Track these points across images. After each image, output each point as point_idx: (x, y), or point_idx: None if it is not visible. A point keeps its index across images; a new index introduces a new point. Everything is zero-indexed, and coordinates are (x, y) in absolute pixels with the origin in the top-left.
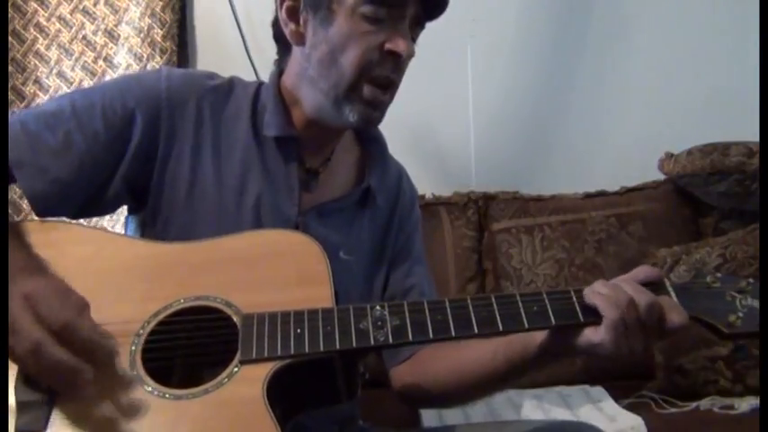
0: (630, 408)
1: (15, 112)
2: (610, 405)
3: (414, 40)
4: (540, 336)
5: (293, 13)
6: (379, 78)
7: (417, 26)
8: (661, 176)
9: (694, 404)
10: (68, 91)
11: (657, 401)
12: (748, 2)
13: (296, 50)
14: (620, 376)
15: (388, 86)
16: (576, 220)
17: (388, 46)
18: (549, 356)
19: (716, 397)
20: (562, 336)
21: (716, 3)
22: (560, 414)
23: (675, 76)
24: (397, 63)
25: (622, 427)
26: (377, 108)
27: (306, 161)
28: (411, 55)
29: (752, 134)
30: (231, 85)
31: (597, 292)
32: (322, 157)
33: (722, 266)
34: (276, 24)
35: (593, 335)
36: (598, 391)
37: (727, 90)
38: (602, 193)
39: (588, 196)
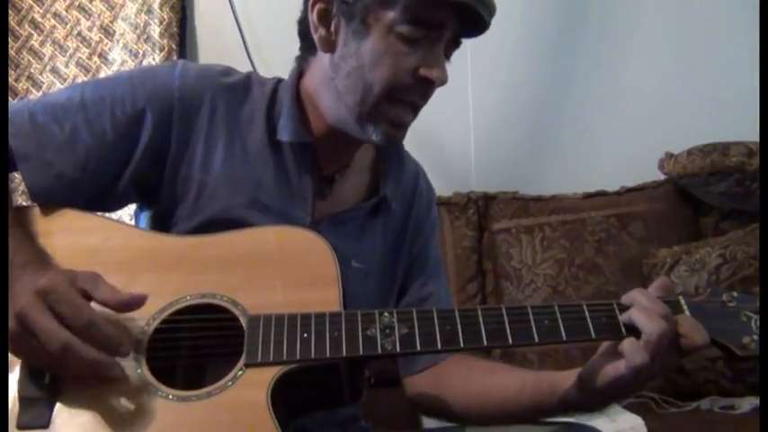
0: (630, 408)
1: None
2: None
3: (448, 57)
4: (567, 382)
5: (325, 18)
6: (405, 101)
7: (454, 45)
8: (661, 176)
9: (694, 404)
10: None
11: (657, 401)
12: (748, 2)
13: (323, 56)
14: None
15: (414, 108)
16: (576, 220)
17: (422, 72)
18: (574, 404)
19: (716, 397)
20: (586, 382)
21: (716, 3)
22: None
23: (675, 77)
24: (428, 89)
25: (622, 427)
26: (401, 128)
27: (323, 167)
28: (444, 82)
29: (752, 134)
30: (248, 82)
31: (641, 307)
32: (341, 164)
33: (722, 266)
34: (302, 22)
35: (613, 371)
36: None
37: (727, 90)
38: (602, 193)
39: (588, 196)
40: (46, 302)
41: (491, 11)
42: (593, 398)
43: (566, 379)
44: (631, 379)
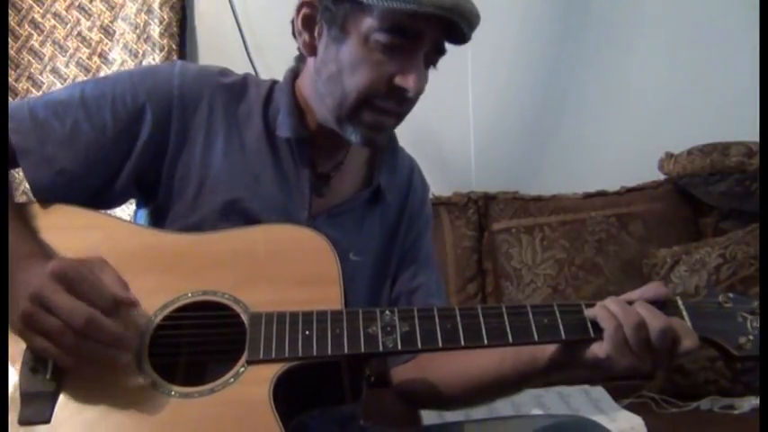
0: (630, 408)
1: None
2: (610, 405)
3: (434, 65)
4: (549, 347)
5: (309, 23)
6: (382, 108)
7: (437, 53)
8: (661, 176)
9: (694, 404)
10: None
11: (657, 401)
12: (748, 2)
13: (311, 58)
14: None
15: (393, 114)
16: (576, 220)
17: (397, 81)
18: (557, 369)
19: (716, 397)
20: (570, 349)
21: (716, 3)
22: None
23: (675, 77)
24: (404, 97)
25: (622, 427)
26: (380, 131)
27: (318, 166)
28: (420, 92)
29: (752, 134)
30: (245, 83)
31: (607, 309)
32: (334, 162)
33: (722, 266)
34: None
35: (599, 350)
36: (598, 391)
37: (728, 90)
38: (602, 193)
39: (588, 196)
40: (63, 283)
41: (472, 24)
42: (575, 364)
43: (546, 349)
44: (608, 365)
